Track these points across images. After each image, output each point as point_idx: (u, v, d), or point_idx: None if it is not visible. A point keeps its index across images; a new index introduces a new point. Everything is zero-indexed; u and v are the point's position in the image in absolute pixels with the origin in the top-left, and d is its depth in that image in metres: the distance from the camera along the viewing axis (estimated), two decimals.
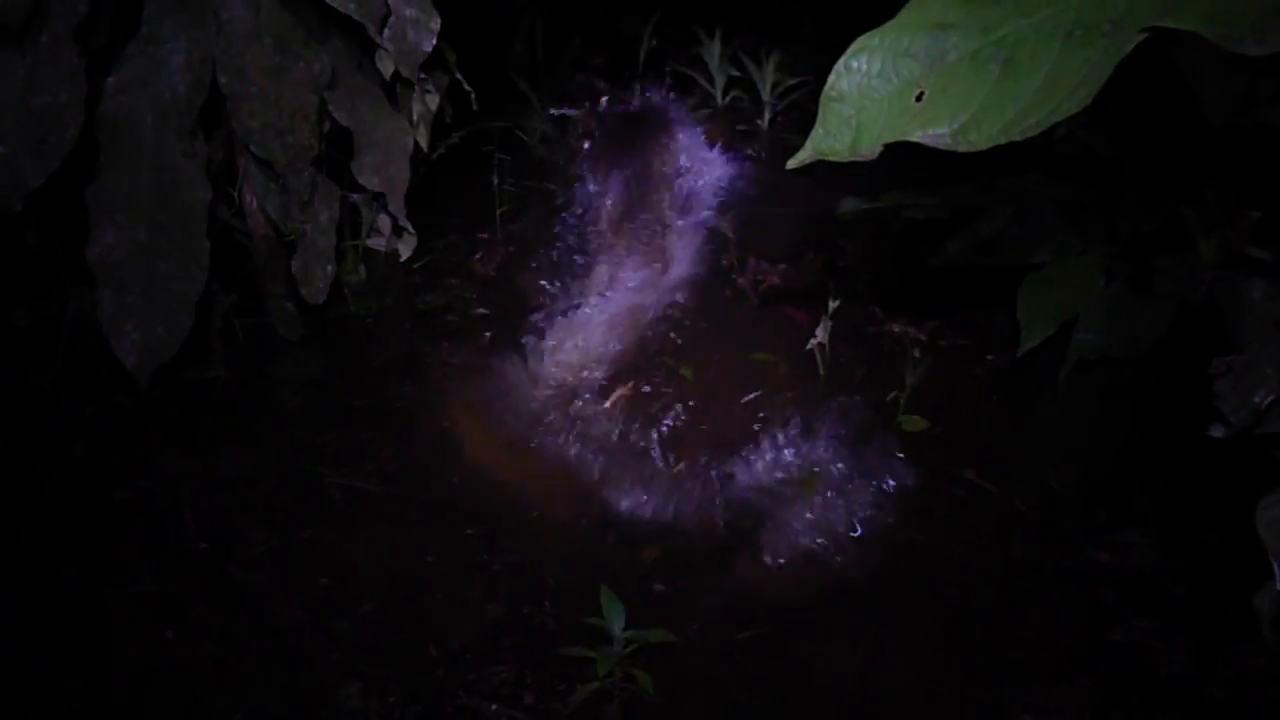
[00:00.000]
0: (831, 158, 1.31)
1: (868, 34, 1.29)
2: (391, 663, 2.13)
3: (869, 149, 1.29)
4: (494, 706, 2.04)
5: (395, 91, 2.69)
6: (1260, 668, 1.97)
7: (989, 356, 2.82)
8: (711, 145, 3.69)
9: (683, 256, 3.24)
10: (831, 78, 1.30)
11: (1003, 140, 1.20)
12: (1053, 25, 1.23)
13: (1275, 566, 1.56)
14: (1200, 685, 2.00)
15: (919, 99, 1.26)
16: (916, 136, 1.25)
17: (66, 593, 2.31)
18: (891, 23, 1.29)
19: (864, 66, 1.29)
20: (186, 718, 2.07)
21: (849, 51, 1.30)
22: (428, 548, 2.39)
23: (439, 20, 2.55)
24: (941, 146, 1.24)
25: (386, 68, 2.59)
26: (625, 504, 2.49)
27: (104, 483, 2.55)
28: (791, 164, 1.34)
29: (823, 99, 1.31)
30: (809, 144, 1.32)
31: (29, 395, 2.74)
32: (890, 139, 1.27)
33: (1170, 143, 2.60)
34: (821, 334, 2.70)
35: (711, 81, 3.85)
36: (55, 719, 2.06)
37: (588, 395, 2.77)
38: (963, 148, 1.22)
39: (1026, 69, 1.22)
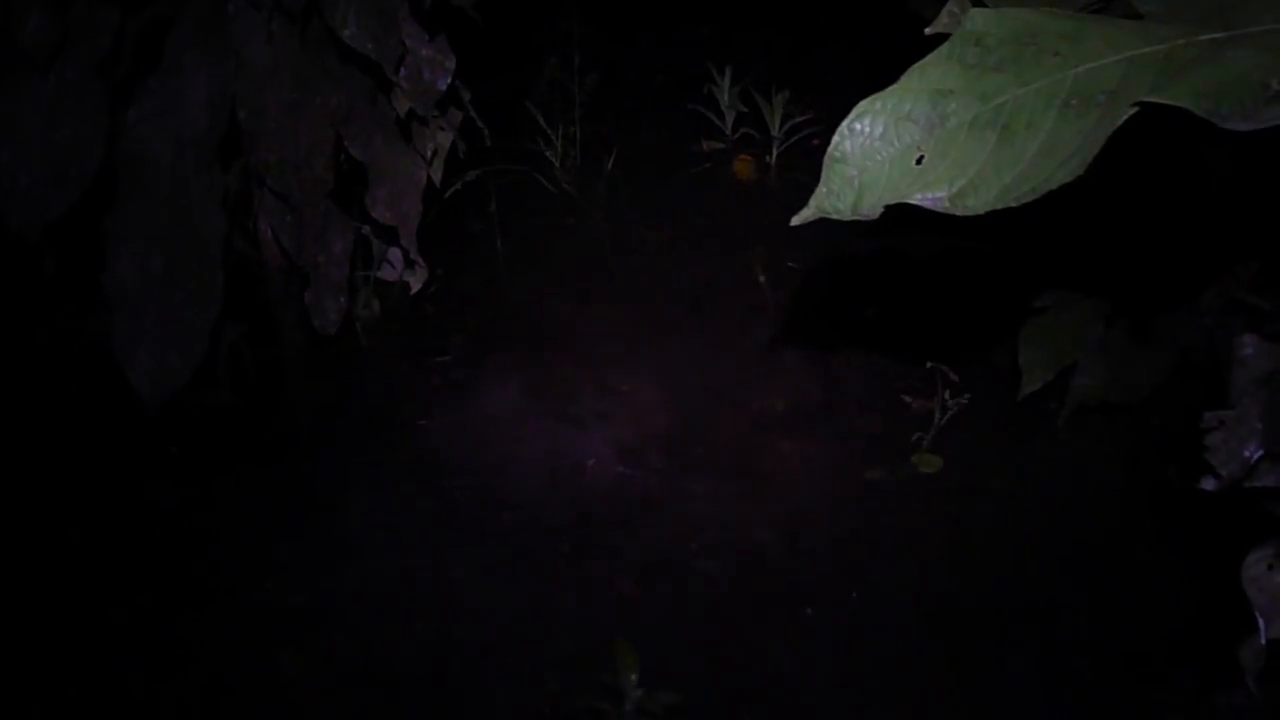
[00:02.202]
0: (834, 215, 1.35)
1: (870, 98, 1.33)
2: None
3: (870, 208, 1.33)
4: None
5: (410, 127, 2.73)
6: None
7: (994, 397, 2.85)
8: (722, 180, 3.76)
9: (688, 292, 3.30)
10: (835, 138, 1.34)
11: (999, 205, 1.24)
12: (1049, 94, 1.27)
13: (1259, 621, 1.60)
14: None
15: (919, 162, 1.30)
16: (916, 199, 1.29)
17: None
18: (893, 87, 1.33)
19: (866, 129, 1.33)
20: None
21: (852, 114, 1.34)
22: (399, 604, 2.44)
23: (454, 60, 2.60)
24: (940, 209, 1.28)
25: (402, 105, 2.64)
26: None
27: (89, 500, 2.63)
28: (796, 220, 1.38)
29: (826, 159, 1.35)
30: (813, 202, 1.36)
31: (43, 414, 2.80)
32: (891, 200, 1.31)
33: (1172, 190, 2.63)
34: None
35: (722, 117, 3.90)
36: None
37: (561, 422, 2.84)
38: (960, 211, 1.26)
39: (1022, 136, 1.26)
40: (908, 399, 2.82)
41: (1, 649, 2.28)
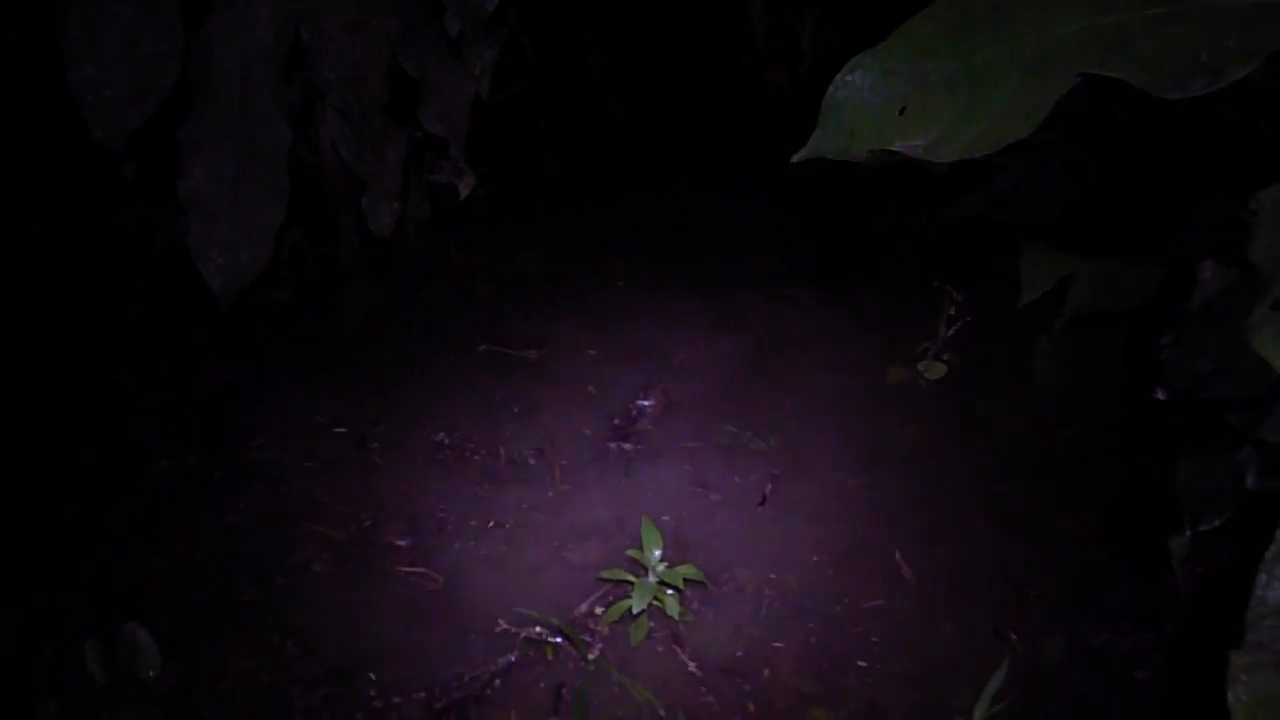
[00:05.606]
0: (828, 156, 1.56)
1: (861, 54, 1.53)
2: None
3: (858, 152, 1.53)
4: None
5: (461, 46, 2.93)
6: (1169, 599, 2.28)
7: (995, 310, 3.04)
8: (754, 91, 3.95)
9: (718, 196, 3.52)
10: (830, 89, 1.54)
11: (964, 156, 1.43)
12: (1016, 56, 1.45)
13: (1185, 517, 1.82)
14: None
15: (902, 112, 1.50)
16: (897, 146, 1.48)
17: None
18: (882, 45, 1.52)
19: (857, 81, 1.53)
20: None
21: (846, 68, 1.53)
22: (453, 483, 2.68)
23: None
24: (917, 156, 1.48)
25: (452, 26, 2.84)
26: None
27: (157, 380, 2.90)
28: (795, 159, 1.59)
29: (823, 106, 1.55)
30: (810, 144, 1.56)
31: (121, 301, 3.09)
32: (876, 146, 1.51)
33: (1177, 110, 2.77)
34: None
35: (754, 31, 4.07)
36: None
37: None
38: (933, 159, 1.46)
39: (991, 94, 1.45)
40: (914, 311, 3.03)
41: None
